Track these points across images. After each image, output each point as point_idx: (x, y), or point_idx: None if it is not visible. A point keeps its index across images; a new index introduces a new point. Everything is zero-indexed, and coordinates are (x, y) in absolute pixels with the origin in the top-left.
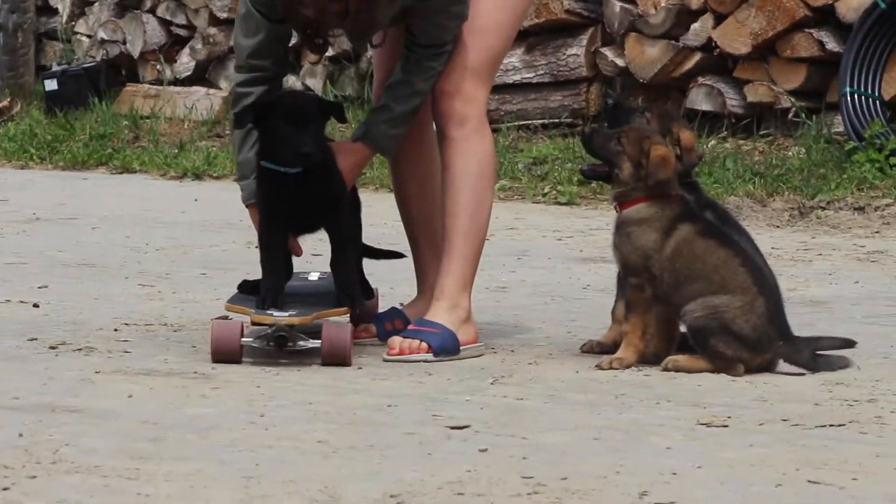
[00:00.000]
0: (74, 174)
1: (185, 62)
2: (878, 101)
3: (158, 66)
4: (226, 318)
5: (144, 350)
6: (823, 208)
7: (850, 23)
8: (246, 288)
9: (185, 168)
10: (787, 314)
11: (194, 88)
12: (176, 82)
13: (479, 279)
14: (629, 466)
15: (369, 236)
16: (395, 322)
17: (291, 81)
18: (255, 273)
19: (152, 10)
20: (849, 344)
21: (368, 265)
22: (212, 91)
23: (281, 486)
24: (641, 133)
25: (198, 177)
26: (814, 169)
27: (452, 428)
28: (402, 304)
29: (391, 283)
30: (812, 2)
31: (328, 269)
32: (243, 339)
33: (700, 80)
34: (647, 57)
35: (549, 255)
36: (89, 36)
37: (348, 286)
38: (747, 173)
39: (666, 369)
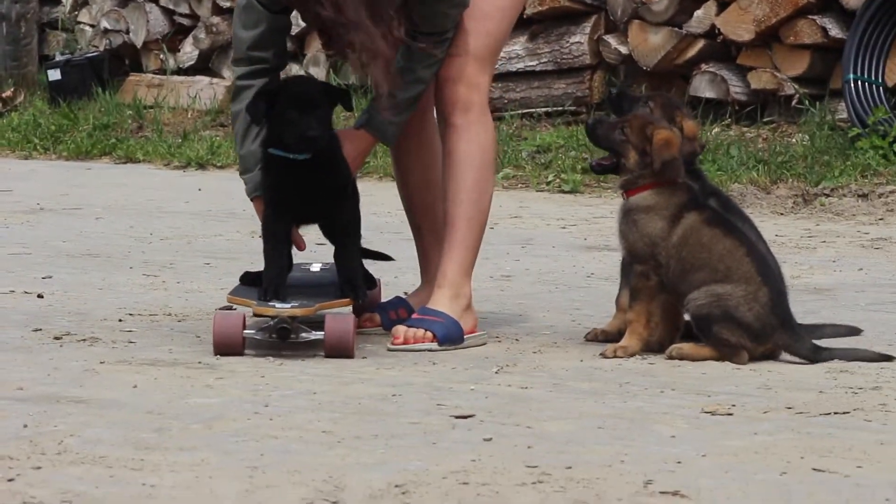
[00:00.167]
0: (78, 164)
1: (189, 51)
2: (881, 88)
3: (162, 56)
4: (230, 307)
5: (149, 340)
6: (827, 195)
7: (854, 9)
8: (248, 279)
9: (189, 157)
10: (790, 304)
11: (197, 78)
12: (179, 72)
13: (484, 268)
14: (634, 455)
15: (374, 225)
16: (400, 311)
17: (295, 70)
18: (259, 263)
19: (155, 0)
20: (854, 332)
21: None
22: (215, 80)
23: (286, 475)
24: (644, 120)
25: (201, 166)
26: (817, 156)
27: (457, 417)
28: (406, 294)
29: (395, 271)
30: None
31: (330, 260)
32: (245, 332)
33: (703, 67)
34: (650, 44)
35: (553, 243)
36: (92, 25)
37: (351, 277)
38: (751, 160)
39: (670, 357)
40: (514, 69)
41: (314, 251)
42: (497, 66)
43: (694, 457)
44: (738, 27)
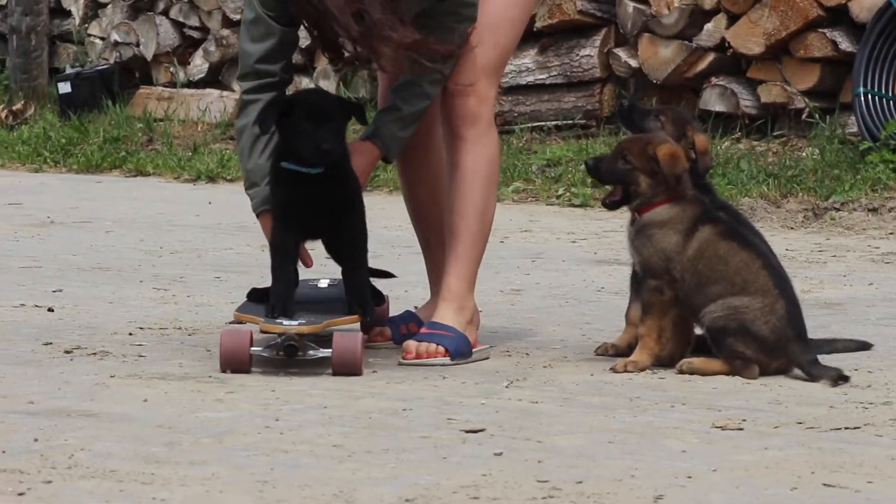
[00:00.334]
0: (88, 177)
1: (199, 64)
2: (892, 102)
3: (172, 69)
4: (241, 322)
5: (159, 354)
6: (837, 209)
7: (864, 22)
8: (255, 296)
9: (199, 171)
10: (804, 317)
11: (207, 91)
12: (189, 84)
13: (494, 282)
14: (644, 470)
15: (385, 239)
16: (410, 325)
17: (305, 84)
18: (269, 277)
19: (165, 13)
20: (864, 346)
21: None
22: (225, 93)
23: (296, 490)
24: (641, 142)
25: (211, 179)
26: (828, 170)
27: (467, 431)
28: (416, 308)
29: (405, 285)
30: (825, 1)
31: (338, 276)
32: (252, 349)
33: (713, 80)
34: (660, 57)
35: (563, 257)
36: (102, 38)
37: (359, 293)
38: (761, 174)
39: (681, 372)
40: (524, 82)
41: (323, 264)
42: (507, 80)
43: (705, 472)
44: (748, 41)
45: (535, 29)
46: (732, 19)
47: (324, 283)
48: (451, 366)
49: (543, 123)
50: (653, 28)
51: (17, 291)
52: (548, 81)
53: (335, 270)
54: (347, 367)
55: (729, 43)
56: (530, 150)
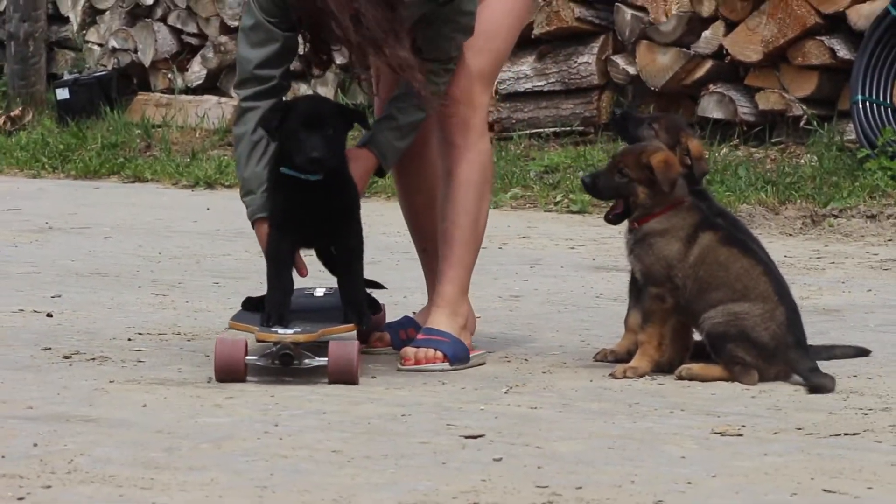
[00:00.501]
0: (86, 183)
1: (197, 71)
2: (889, 109)
3: (170, 75)
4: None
5: (158, 359)
6: (836, 216)
7: (862, 30)
8: (250, 305)
9: (197, 177)
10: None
11: (206, 97)
12: (187, 91)
13: (492, 288)
14: (644, 475)
15: (383, 245)
16: (409, 331)
17: (303, 90)
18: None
19: (163, 19)
20: (863, 353)
21: (383, 273)
22: (223, 99)
23: (295, 495)
24: (634, 152)
25: (210, 185)
26: (826, 177)
27: (467, 437)
28: (414, 313)
29: (404, 291)
30: (823, 9)
31: (334, 285)
32: (247, 358)
33: (711, 87)
34: (658, 65)
35: (561, 263)
36: (100, 45)
37: (355, 302)
38: (759, 181)
39: (680, 377)
40: (522, 89)
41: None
42: (505, 86)
43: (704, 477)
44: (746, 48)
45: (533, 36)
46: (730, 27)
47: (319, 292)
48: (449, 371)
49: (541, 130)
50: (651, 35)
51: (15, 297)
52: (546, 88)
53: (331, 279)
54: (343, 376)
55: (727, 50)
56: (528, 157)
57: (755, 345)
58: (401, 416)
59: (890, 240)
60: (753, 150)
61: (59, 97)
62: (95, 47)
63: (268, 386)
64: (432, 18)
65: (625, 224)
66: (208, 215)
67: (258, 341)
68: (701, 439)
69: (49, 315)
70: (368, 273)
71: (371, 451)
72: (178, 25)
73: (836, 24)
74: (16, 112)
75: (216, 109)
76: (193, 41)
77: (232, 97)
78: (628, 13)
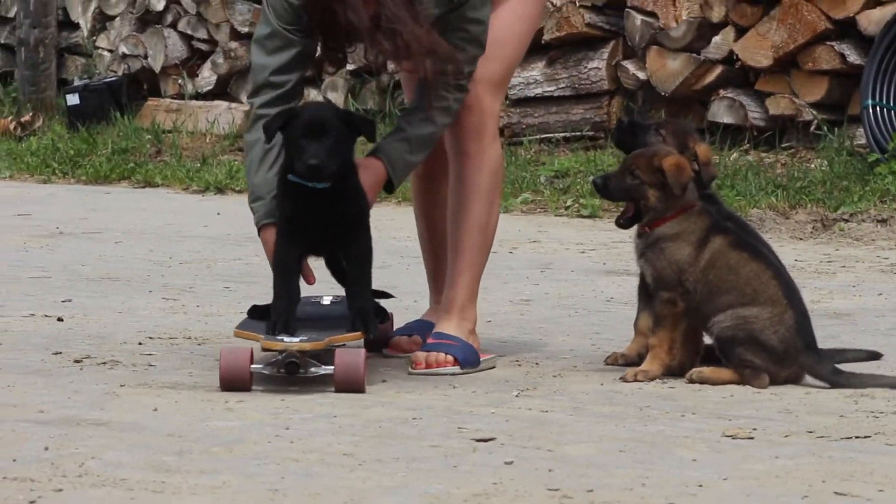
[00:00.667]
0: (97, 188)
1: (207, 76)
2: None
3: (180, 81)
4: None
5: (169, 363)
6: (846, 220)
7: (872, 35)
8: (256, 313)
9: (208, 182)
10: (813, 328)
11: (216, 102)
12: (197, 96)
13: (503, 292)
14: (655, 479)
15: (394, 250)
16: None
17: (313, 95)
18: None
19: (173, 25)
20: (874, 356)
21: (393, 277)
22: (233, 105)
23: (307, 498)
24: (646, 155)
25: (220, 190)
26: (836, 181)
27: (478, 440)
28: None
29: (414, 295)
30: (833, 14)
31: (341, 293)
32: (253, 367)
33: (722, 92)
34: (668, 70)
35: (572, 267)
36: (111, 50)
37: (363, 310)
38: (770, 186)
39: (691, 381)
40: (532, 94)
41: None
42: (515, 92)
43: (715, 480)
44: (757, 53)
45: (543, 41)
46: (741, 32)
47: (326, 300)
48: (460, 375)
49: (552, 135)
50: (661, 41)
51: (26, 301)
52: (556, 93)
53: (338, 287)
54: (350, 385)
55: (737, 55)
56: (538, 162)
57: (764, 348)
58: (412, 419)
59: None
60: (764, 154)
61: (69, 103)
62: (106, 53)
63: (278, 390)
64: (443, 25)
65: (634, 228)
66: (218, 220)
67: (263, 350)
68: (712, 442)
69: (60, 319)
70: (379, 277)
71: (382, 455)
72: (189, 31)
73: (846, 29)
74: (26, 118)
75: (226, 115)
76: (204, 47)
77: (242, 102)
78: (638, 19)
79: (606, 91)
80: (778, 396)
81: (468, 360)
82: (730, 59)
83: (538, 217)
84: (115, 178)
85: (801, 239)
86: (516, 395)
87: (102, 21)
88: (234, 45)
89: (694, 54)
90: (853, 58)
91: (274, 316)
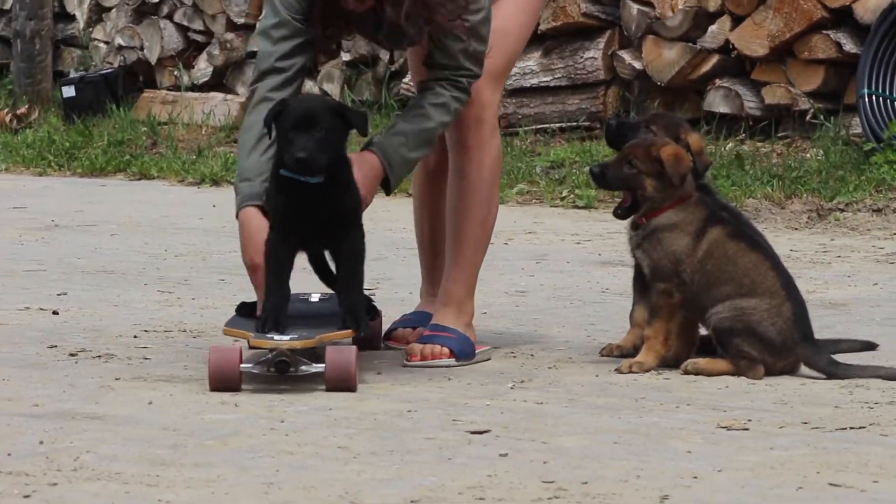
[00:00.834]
0: (92, 181)
1: (203, 68)
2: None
3: (176, 72)
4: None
5: (164, 356)
6: (842, 210)
7: (868, 24)
8: (244, 310)
9: (203, 174)
10: (810, 319)
11: (212, 94)
12: (193, 88)
13: (498, 283)
14: (650, 470)
15: (390, 241)
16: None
17: (309, 86)
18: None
19: (169, 16)
20: (869, 346)
21: (389, 269)
22: (229, 97)
23: (302, 491)
24: (645, 144)
25: (216, 182)
26: (832, 171)
27: (473, 433)
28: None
29: (409, 287)
30: (829, 3)
31: (329, 291)
32: (242, 366)
33: (717, 82)
34: (664, 59)
35: (567, 258)
36: (107, 42)
37: (353, 307)
38: (765, 175)
39: (686, 372)
40: (528, 85)
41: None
42: (511, 82)
43: (710, 472)
44: (753, 42)
45: (539, 31)
46: (736, 21)
47: (315, 297)
48: (455, 367)
49: (547, 125)
50: (657, 30)
51: (21, 295)
52: (552, 84)
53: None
54: (342, 383)
55: (733, 45)
56: (534, 153)
57: (762, 340)
58: (407, 411)
59: (895, 234)
60: (759, 144)
61: (65, 95)
62: (101, 45)
63: (273, 383)
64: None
65: (628, 220)
66: (214, 212)
67: (251, 348)
68: (707, 434)
69: (55, 312)
70: (374, 268)
71: (377, 447)
72: (185, 23)
73: (842, 18)
74: (22, 110)
75: (222, 106)
76: (200, 38)
77: (238, 94)
78: (634, 8)
79: (602, 81)
80: (773, 387)
81: (464, 351)
82: (726, 48)
83: (534, 208)
84: (111, 170)
85: (796, 229)
86: (511, 387)
87: (98, 13)
88: (230, 36)
89: (690, 44)
90: (849, 47)
91: (264, 313)
